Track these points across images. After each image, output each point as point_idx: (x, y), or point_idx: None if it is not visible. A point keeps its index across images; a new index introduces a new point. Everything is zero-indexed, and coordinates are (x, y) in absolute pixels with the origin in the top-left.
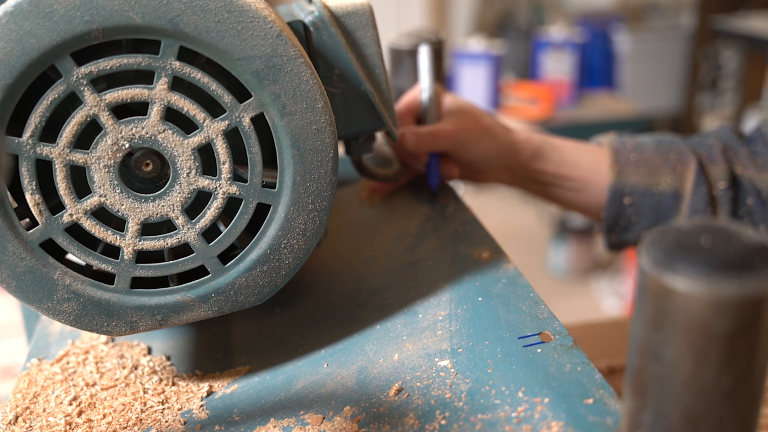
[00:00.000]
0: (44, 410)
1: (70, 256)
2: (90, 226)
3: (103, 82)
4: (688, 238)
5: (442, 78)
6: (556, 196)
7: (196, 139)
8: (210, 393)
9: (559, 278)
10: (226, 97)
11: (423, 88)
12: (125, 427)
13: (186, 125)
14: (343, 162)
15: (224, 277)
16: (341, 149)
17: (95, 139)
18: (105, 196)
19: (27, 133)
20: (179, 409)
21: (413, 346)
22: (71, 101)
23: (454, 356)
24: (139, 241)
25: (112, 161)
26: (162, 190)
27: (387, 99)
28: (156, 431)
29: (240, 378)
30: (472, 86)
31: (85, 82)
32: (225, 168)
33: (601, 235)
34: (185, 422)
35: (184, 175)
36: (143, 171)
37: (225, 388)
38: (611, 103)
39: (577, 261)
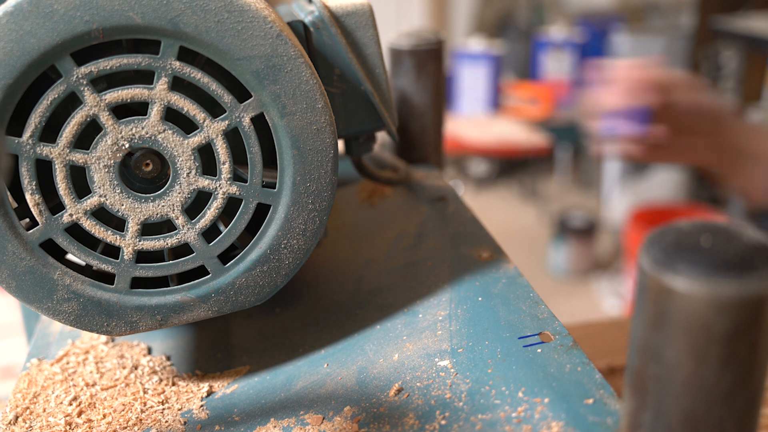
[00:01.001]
0: (44, 410)
1: (70, 256)
2: (90, 226)
3: (103, 82)
4: (688, 238)
5: (442, 78)
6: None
7: (196, 139)
8: (210, 393)
9: (559, 278)
10: (226, 97)
11: None
12: (125, 427)
13: (186, 125)
14: (343, 162)
15: (224, 277)
16: (341, 149)
17: (95, 139)
18: (105, 196)
19: (27, 133)
20: (179, 409)
21: (413, 346)
22: (71, 101)
23: (454, 356)
24: (139, 241)
25: (112, 161)
26: (162, 190)
27: (387, 99)
28: (156, 431)
29: (240, 378)
30: (472, 86)
31: (85, 82)
32: (225, 168)
33: None
34: (185, 422)
35: (184, 175)
36: (143, 171)
37: (225, 388)
38: None
39: (577, 261)
